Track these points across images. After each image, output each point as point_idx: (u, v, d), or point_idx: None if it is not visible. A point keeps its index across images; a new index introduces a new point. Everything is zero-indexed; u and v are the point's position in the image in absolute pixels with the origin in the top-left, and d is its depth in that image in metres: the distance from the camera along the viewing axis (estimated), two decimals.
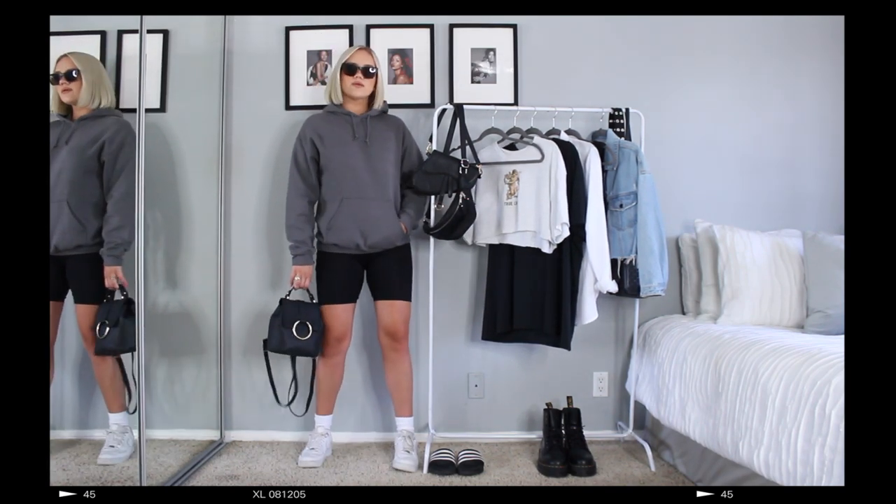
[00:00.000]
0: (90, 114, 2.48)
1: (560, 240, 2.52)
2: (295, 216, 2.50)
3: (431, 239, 2.68)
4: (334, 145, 2.49)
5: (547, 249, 2.57)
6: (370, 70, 2.50)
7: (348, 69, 2.48)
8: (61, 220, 2.39)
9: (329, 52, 2.86)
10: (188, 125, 2.87)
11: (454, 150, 2.61)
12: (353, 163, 2.47)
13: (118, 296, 2.44)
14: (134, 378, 2.12)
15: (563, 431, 2.59)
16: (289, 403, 2.61)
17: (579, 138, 2.69)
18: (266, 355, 2.55)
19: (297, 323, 2.45)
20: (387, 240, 2.50)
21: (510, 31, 2.86)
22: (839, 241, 2.43)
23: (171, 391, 2.85)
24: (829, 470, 1.53)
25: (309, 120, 2.57)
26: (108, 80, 2.56)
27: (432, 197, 2.63)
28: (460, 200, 2.47)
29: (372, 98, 2.56)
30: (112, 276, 2.41)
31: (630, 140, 2.68)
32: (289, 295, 2.53)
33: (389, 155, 2.53)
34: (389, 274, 2.54)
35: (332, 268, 2.53)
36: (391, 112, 2.66)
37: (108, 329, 2.38)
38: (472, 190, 2.57)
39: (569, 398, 2.70)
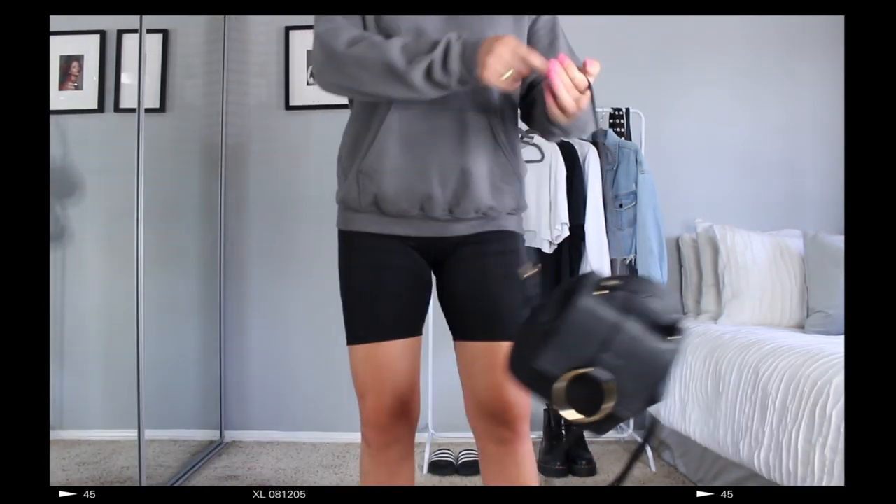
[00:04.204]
0: None
1: (560, 240, 2.52)
2: None
3: None
4: None
5: (547, 249, 2.56)
6: None
7: None
8: None
9: None
10: (188, 126, 2.87)
11: None
12: None
13: None
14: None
15: (563, 431, 2.58)
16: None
17: (579, 138, 2.69)
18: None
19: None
20: None
21: None
22: (839, 241, 2.43)
23: (171, 391, 2.85)
24: (829, 470, 1.53)
25: None
26: None
27: None
28: None
29: None
30: None
31: (630, 140, 2.67)
32: None
33: None
34: None
35: None
36: None
37: None
38: None
39: None
